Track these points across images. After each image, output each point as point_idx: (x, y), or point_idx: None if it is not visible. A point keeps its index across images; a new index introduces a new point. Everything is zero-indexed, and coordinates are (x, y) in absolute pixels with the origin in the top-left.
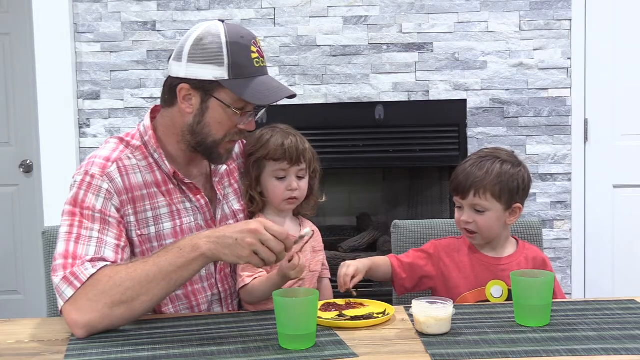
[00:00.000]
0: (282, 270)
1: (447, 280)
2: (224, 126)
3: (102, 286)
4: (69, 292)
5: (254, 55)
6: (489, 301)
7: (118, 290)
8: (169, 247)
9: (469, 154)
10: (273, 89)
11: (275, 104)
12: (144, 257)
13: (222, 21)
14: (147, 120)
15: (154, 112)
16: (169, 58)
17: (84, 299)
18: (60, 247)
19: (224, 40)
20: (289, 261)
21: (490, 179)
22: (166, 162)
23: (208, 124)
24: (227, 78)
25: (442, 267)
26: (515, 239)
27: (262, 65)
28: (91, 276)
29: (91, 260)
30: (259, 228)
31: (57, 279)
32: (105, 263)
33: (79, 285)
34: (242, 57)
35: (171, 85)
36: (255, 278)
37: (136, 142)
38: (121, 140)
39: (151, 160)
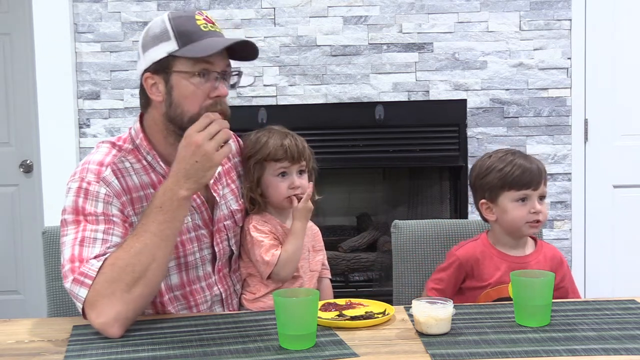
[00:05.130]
0: (297, 211)
1: (475, 280)
2: (194, 98)
3: (109, 276)
4: (83, 292)
5: (199, 22)
6: (510, 298)
7: (126, 271)
8: (147, 212)
9: (469, 154)
10: (223, 40)
11: (273, 100)
12: (130, 233)
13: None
14: (137, 124)
15: (143, 116)
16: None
17: (99, 298)
18: (66, 253)
19: (166, 18)
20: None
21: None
22: (160, 162)
23: (179, 102)
24: (177, 48)
25: (468, 270)
26: (533, 237)
27: (211, 29)
28: (100, 268)
29: (95, 257)
30: (195, 137)
31: (68, 284)
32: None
33: (90, 282)
34: (187, 25)
35: (141, 85)
36: (281, 247)
37: (128, 146)
38: (113, 144)
39: (145, 163)
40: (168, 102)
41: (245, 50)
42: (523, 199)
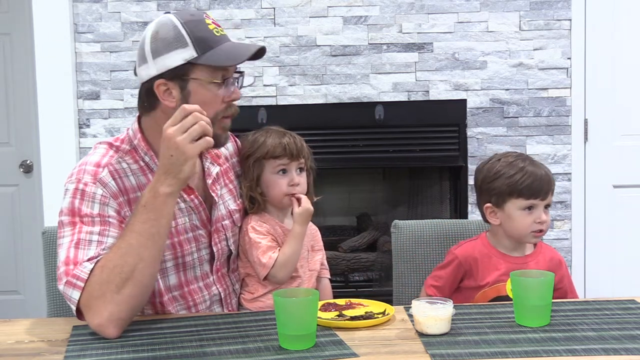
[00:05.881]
0: (298, 215)
1: (473, 279)
2: (211, 105)
3: (99, 278)
4: (75, 294)
5: (211, 27)
6: (508, 297)
7: (114, 272)
8: (134, 212)
9: (469, 154)
10: (243, 47)
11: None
12: (120, 233)
13: (168, 12)
14: (135, 125)
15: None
16: (135, 70)
17: (92, 300)
18: (61, 255)
19: (177, 23)
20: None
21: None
22: (158, 163)
23: None
24: (196, 55)
25: (467, 269)
26: None
27: (222, 34)
28: (92, 270)
29: (89, 259)
30: (168, 130)
31: (61, 286)
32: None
33: (82, 285)
34: (202, 30)
35: (148, 89)
36: (279, 250)
37: (126, 147)
38: (110, 145)
39: (142, 164)
40: None
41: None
42: (530, 208)
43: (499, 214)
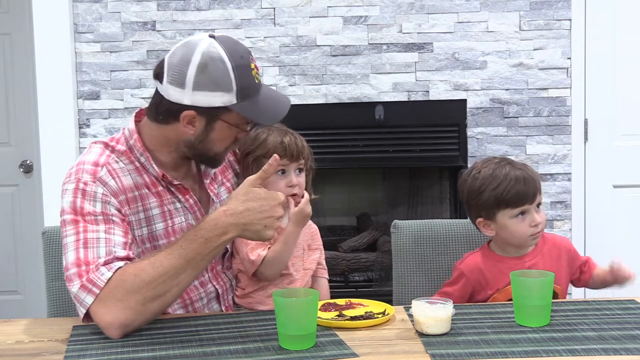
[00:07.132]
0: (294, 215)
1: (481, 291)
2: (225, 141)
3: (129, 285)
4: (89, 299)
5: (254, 73)
6: None
7: (149, 287)
8: (191, 236)
9: (469, 154)
10: (275, 103)
11: None
12: (162, 249)
13: (213, 37)
14: (131, 124)
15: (139, 116)
16: (160, 78)
17: (112, 300)
18: (70, 256)
19: (229, 65)
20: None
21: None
22: (154, 165)
23: (211, 141)
24: (235, 102)
25: (475, 285)
26: None
27: (259, 79)
28: (109, 279)
29: (105, 263)
30: (280, 210)
31: (74, 287)
32: (119, 263)
33: (97, 291)
34: (247, 78)
35: (170, 110)
36: (269, 248)
37: (121, 147)
38: (106, 145)
39: (137, 164)
40: (200, 138)
41: None
42: (522, 213)
43: (492, 225)
